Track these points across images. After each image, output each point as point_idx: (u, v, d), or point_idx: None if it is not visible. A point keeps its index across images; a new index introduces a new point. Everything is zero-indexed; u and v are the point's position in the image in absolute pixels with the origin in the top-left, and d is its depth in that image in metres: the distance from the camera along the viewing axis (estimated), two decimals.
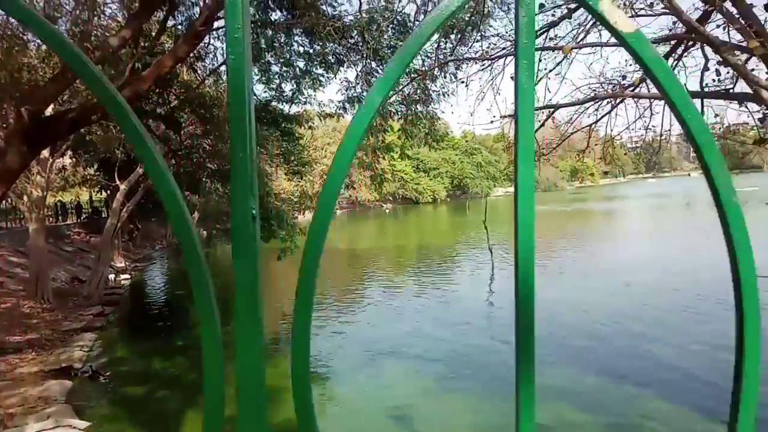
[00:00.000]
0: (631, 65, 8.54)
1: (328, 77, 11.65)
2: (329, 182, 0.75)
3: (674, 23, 7.49)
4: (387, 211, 69.56)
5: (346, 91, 11.03)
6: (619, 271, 19.29)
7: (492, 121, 9.01)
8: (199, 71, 13.55)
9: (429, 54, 10.01)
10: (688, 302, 14.19)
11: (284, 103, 13.25)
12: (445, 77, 10.14)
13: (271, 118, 13.50)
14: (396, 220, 57.95)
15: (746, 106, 6.22)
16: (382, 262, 26.70)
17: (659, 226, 35.22)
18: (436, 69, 9.51)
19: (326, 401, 9.58)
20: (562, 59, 8.68)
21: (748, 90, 5.69)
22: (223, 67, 13.68)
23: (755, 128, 7.32)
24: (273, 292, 19.46)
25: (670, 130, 9.97)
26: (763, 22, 5.44)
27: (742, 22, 5.70)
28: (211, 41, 11.55)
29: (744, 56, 5.82)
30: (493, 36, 9.19)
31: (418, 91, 10.29)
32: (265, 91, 13.10)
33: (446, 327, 13.45)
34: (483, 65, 9.08)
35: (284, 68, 11.77)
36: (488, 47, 8.69)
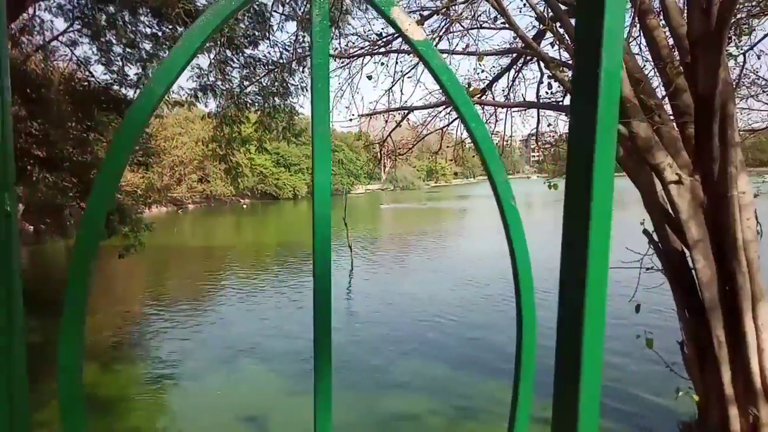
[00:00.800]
0: (479, 73, 9.14)
1: None
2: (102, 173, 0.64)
3: (514, 38, 8.16)
4: (245, 206, 67.36)
5: (198, 78, 10.42)
6: (466, 264, 20.66)
7: (351, 119, 9.11)
8: (24, 46, 11.92)
9: (287, 47, 9.83)
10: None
11: (128, 88, 12.14)
12: (303, 71, 10.03)
13: (112, 104, 12.28)
14: (254, 215, 56.38)
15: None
16: (239, 260, 25.80)
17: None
18: (294, 62, 9.36)
19: (173, 404, 9.00)
20: (417, 63, 9.04)
21: None
22: (55, 43, 12.18)
23: None
24: (119, 292, 17.83)
25: (512, 136, 10.86)
26: None
27: (569, 42, 6.37)
28: (38, 12, 10.21)
29: (571, 72, 6.52)
30: (351, 35, 9.27)
31: (276, 84, 10.05)
32: (105, 73, 11.92)
33: (304, 325, 13.36)
34: (342, 63, 9.13)
35: (128, 50, 10.79)
36: (347, 45, 8.75)
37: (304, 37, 9.28)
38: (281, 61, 9.38)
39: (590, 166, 0.55)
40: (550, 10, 6.15)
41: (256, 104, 10.77)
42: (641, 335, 7.00)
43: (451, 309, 14.18)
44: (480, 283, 17.16)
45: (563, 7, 6.53)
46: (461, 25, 7.61)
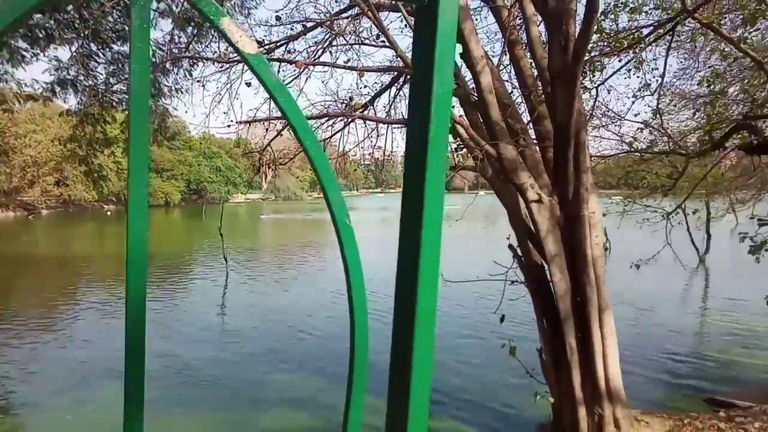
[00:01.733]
0: (360, 88, 9.25)
1: (33, 53, 9.78)
2: None
3: (395, 56, 8.40)
4: (108, 213, 62.14)
5: (56, 71, 9.43)
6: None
7: (229, 125, 8.75)
8: None
9: (161, 45, 9.26)
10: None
11: None
12: (178, 73, 9.49)
13: None
14: (120, 224, 52.18)
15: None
16: (100, 271, 23.66)
17: (386, 235, 39.26)
18: (168, 63, 8.84)
19: None
20: (299, 73, 8.96)
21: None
22: None
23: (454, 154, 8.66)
24: None
25: (393, 150, 11.12)
26: (460, 66, 6.46)
27: None
28: None
29: None
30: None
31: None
32: None
33: (174, 340, 12.54)
34: (221, 67, 8.78)
35: None
36: (226, 49, 8.44)
37: (180, 36, 8.81)
38: (153, 59, 8.80)
39: (423, 177, 0.60)
40: None
41: (124, 103, 9.99)
42: (506, 344, 7.47)
43: (330, 322, 14.12)
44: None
45: None
46: (345, 39, 7.68)
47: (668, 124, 10.86)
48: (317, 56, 8.12)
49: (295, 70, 7.88)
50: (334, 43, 7.73)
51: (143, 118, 0.66)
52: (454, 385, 9.70)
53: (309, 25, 7.68)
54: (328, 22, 7.79)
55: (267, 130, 9.30)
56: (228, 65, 8.51)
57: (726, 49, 8.83)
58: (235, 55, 8.54)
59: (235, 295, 18.05)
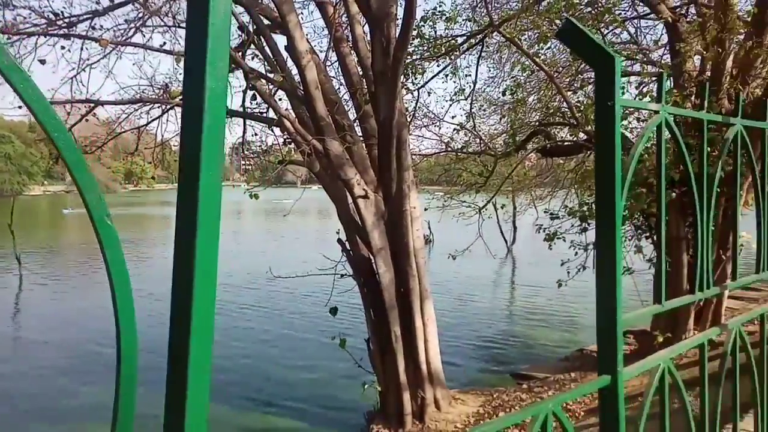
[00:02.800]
0: (180, 74, 8.60)
1: None
2: None
3: None
4: None
5: None
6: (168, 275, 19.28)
7: (20, 107, 7.50)
8: None
9: None
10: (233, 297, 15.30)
11: None
12: None
13: None
14: None
15: (272, 130, 7.16)
16: None
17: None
18: None
19: None
20: (109, 52, 8.03)
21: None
22: None
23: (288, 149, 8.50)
24: None
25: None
26: (285, 59, 6.33)
27: (270, 55, 6.51)
28: None
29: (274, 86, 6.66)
30: (23, 7, 7.64)
31: None
32: None
33: None
34: (8, 39, 7.50)
35: None
36: (15, 19, 7.23)
37: None
38: None
39: (197, 170, 0.59)
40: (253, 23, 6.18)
41: None
42: (336, 337, 7.56)
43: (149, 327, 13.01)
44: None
45: (266, 21, 6.66)
46: (161, 20, 7.07)
47: (480, 127, 11.95)
48: (129, 36, 7.35)
49: (101, 50, 7.04)
50: (149, 23, 7.08)
51: None
52: (286, 380, 9.59)
53: (118, 0, 6.93)
54: (144, 1, 7.10)
55: (69, 114, 8.21)
56: (16, 37, 7.31)
57: (526, 62, 9.95)
58: (27, 26, 7.38)
59: (30, 301, 15.75)
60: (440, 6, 8.97)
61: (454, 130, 10.97)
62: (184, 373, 0.61)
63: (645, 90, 9.80)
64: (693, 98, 7.38)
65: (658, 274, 2.07)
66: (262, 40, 6.39)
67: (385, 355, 7.33)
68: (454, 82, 10.58)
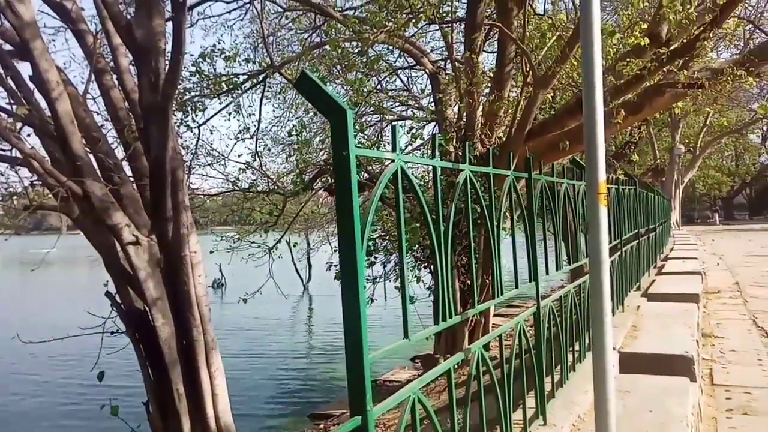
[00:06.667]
0: None
1: None
2: None
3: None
4: None
5: None
6: None
7: None
8: None
9: None
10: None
11: None
12: None
13: None
14: None
15: (17, 172, 6.09)
16: None
17: None
18: None
19: None
20: None
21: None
22: None
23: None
24: None
25: None
26: (33, 90, 5.49)
27: (14, 88, 5.62)
28: None
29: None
30: None
31: None
32: None
33: None
34: None
35: None
36: None
37: None
38: None
39: None
40: None
41: None
42: (106, 404, 6.60)
43: None
44: None
45: (7, 47, 5.76)
46: None
47: (269, 165, 11.89)
48: None
49: None
50: None
51: None
52: None
53: None
54: None
55: None
56: None
57: (309, 105, 10.23)
58: None
59: None
60: (219, 43, 8.79)
61: (240, 169, 10.71)
62: None
63: (416, 134, 10.78)
64: (454, 142, 8.32)
65: (436, 300, 2.20)
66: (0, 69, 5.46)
67: (167, 418, 6.62)
68: (238, 120, 10.38)
